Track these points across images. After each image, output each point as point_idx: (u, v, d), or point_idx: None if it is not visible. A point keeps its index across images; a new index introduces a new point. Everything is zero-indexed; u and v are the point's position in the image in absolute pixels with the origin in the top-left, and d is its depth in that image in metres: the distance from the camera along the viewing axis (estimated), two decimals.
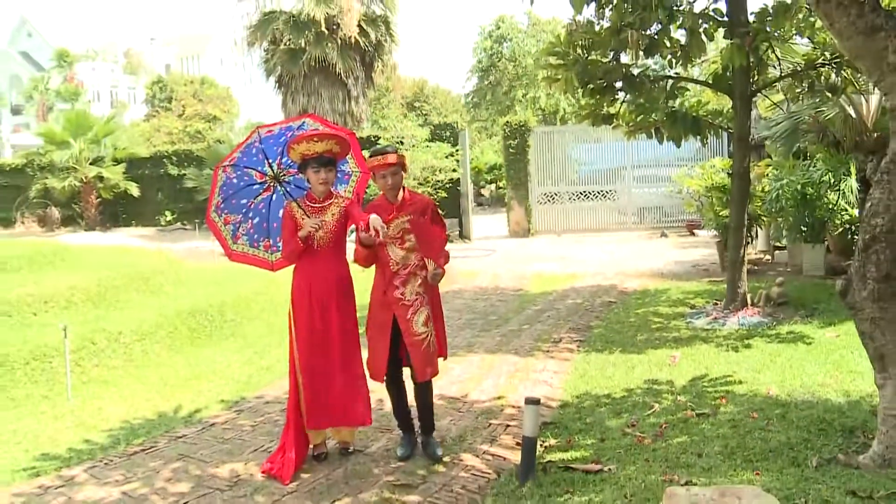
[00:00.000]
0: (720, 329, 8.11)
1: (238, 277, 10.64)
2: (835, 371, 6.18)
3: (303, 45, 20.57)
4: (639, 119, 8.87)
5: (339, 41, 20.80)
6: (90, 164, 23.51)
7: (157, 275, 10.50)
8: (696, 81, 10.05)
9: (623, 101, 9.03)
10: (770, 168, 12.08)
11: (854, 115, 10.35)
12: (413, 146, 19.24)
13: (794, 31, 8.57)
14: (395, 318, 4.89)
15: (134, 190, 23.74)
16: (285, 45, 20.73)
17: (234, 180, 5.02)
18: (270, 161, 5.03)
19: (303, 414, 4.95)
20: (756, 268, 11.79)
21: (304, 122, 5.02)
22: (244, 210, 5.12)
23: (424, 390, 5.08)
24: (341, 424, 5.07)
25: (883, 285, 4.12)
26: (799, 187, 10.62)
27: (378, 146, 5.12)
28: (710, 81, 9.25)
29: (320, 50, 20.54)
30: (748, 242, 9.84)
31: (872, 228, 4.15)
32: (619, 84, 8.76)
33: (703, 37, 8.29)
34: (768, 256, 13.36)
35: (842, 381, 5.91)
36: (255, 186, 5.09)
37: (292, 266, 5.04)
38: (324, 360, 4.90)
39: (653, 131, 8.90)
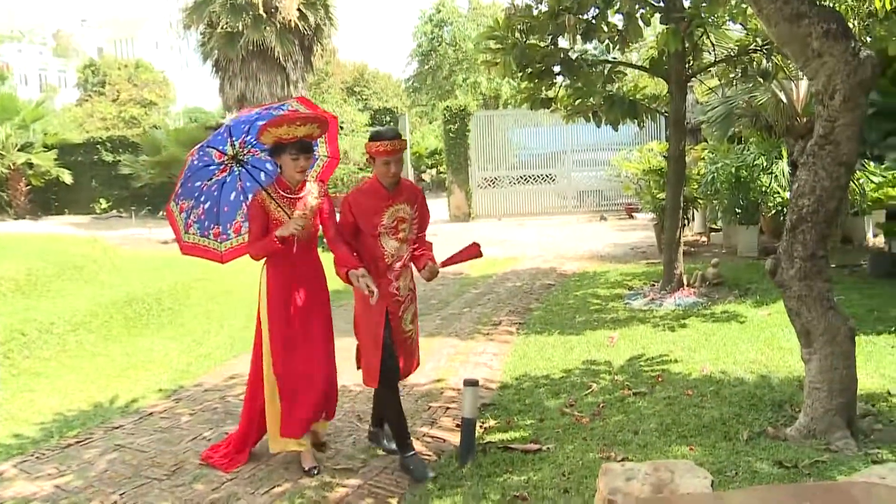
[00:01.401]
0: (657, 309, 8.27)
1: (175, 264, 10.47)
2: (766, 348, 6.36)
3: (240, 28, 20.23)
4: (577, 103, 8.95)
5: (278, 25, 20.49)
6: (18, 150, 22.77)
7: (90, 263, 10.26)
8: (633, 66, 10.17)
9: (561, 85, 9.10)
10: (706, 151, 12.33)
11: (785, 100, 10.60)
12: (353, 131, 19.18)
13: (727, 17, 8.74)
14: (387, 314, 4.48)
15: (66, 177, 23.10)
16: (222, 28, 20.34)
17: (196, 162, 4.50)
18: (234, 139, 4.55)
19: (275, 422, 4.58)
20: (693, 249, 12.03)
21: (283, 105, 4.50)
22: (196, 193, 4.61)
23: None
24: (322, 420, 4.75)
25: (809, 263, 4.24)
26: (733, 170, 10.87)
27: (378, 129, 4.64)
28: (647, 66, 9.37)
29: (258, 34, 20.21)
30: (684, 224, 10.04)
31: (799, 209, 4.28)
32: (557, 68, 8.83)
33: (640, 22, 8.41)
34: (704, 238, 13.66)
35: (772, 357, 6.08)
36: (211, 167, 4.58)
37: (248, 258, 4.65)
38: (305, 362, 4.51)
39: (591, 115, 8.99)
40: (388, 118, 19.61)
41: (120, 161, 21.69)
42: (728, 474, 3.81)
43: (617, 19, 8.58)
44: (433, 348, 7.26)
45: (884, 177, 10.77)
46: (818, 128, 4.25)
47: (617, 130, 9.26)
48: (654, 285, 9.31)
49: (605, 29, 8.46)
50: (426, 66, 42.24)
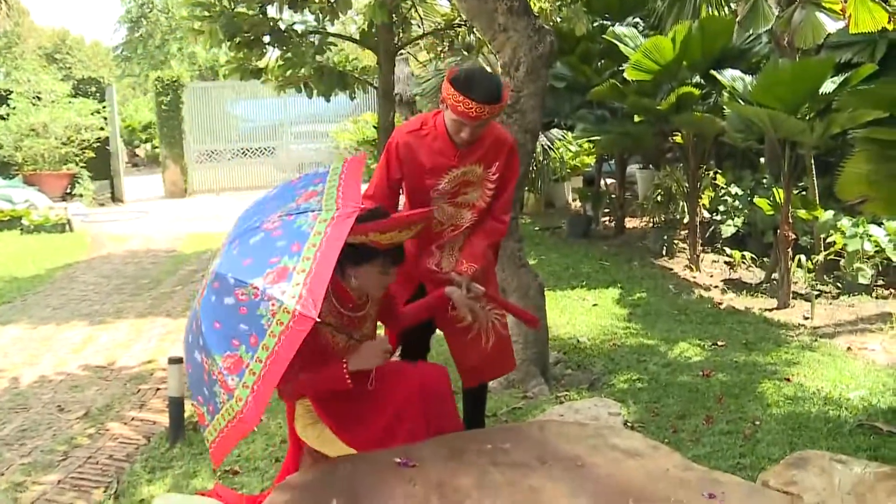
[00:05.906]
0: None
1: None
2: None
3: None
4: (288, 74, 8.86)
5: None
6: None
7: None
8: (342, 37, 10.23)
9: (272, 56, 8.98)
10: None
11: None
12: (52, 102, 17.63)
13: None
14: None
15: None
16: None
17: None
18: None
19: None
20: None
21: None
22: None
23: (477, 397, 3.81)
24: None
25: None
26: None
27: (472, 72, 3.16)
28: (357, 38, 9.49)
29: None
30: None
31: None
32: (267, 38, 8.67)
33: None
34: None
35: None
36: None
37: None
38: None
39: (302, 86, 8.95)
40: (93, 88, 18.20)
41: None
42: None
43: None
44: (143, 329, 6.91)
45: (580, 146, 11.77)
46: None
47: (329, 101, 9.32)
48: None
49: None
50: (136, 34, 39.73)
